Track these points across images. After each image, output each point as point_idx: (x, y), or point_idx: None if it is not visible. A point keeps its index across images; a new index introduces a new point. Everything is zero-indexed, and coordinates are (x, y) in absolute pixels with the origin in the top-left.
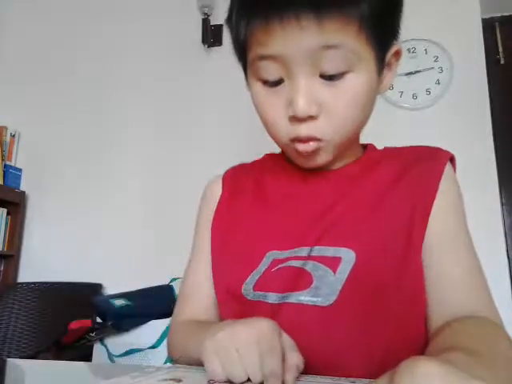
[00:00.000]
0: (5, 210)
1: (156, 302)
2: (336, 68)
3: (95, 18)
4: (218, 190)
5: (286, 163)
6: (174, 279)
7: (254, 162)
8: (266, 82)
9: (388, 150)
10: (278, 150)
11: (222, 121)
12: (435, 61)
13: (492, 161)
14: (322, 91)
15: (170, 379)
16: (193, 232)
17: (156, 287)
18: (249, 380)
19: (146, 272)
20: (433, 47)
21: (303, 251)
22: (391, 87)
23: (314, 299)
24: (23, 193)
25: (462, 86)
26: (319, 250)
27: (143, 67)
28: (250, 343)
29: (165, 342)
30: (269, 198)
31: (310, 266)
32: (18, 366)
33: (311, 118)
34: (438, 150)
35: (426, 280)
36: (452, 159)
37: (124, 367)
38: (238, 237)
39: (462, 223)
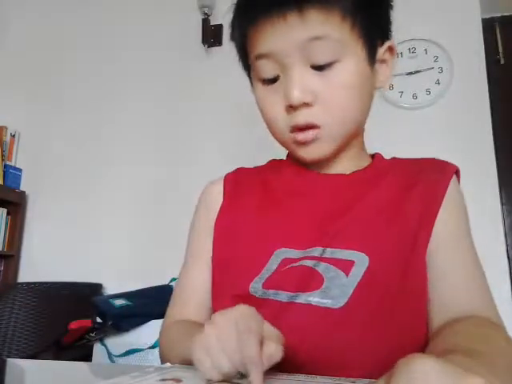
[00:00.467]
0: (5, 210)
1: (156, 302)
2: (324, 58)
3: (95, 18)
4: (218, 193)
5: (293, 165)
6: (174, 279)
7: (259, 166)
8: (264, 81)
9: (396, 160)
10: (279, 151)
11: (222, 121)
12: (435, 61)
13: (492, 161)
14: (314, 81)
15: (170, 379)
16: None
17: (156, 287)
18: (243, 376)
19: (146, 272)
20: (433, 47)
21: (315, 251)
22: (391, 87)
23: (324, 301)
24: (23, 193)
25: (462, 86)
26: (332, 252)
27: (143, 67)
28: (226, 327)
29: None
30: (277, 197)
31: (321, 268)
32: (18, 365)
33: (306, 105)
34: (445, 163)
35: (428, 281)
36: (457, 171)
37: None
38: (244, 236)
39: (466, 230)
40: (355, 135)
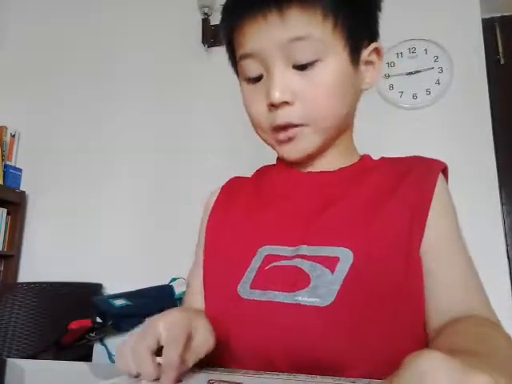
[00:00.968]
0: (5, 210)
1: (156, 302)
2: (305, 58)
3: (95, 17)
4: (214, 198)
5: (281, 166)
6: (174, 279)
7: (253, 174)
8: (249, 80)
9: (384, 159)
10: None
11: (222, 121)
12: (435, 61)
13: (492, 161)
14: (295, 80)
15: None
16: (193, 232)
17: (156, 287)
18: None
19: (146, 272)
20: (433, 47)
21: (300, 249)
22: (391, 87)
23: (312, 300)
24: (23, 193)
25: (462, 86)
26: (316, 250)
27: (143, 67)
28: (142, 338)
29: None
30: (264, 199)
31: (307, 266)
32: (18, 365)
33: (286, 104)
34: (432, 160)
35: (426, 280)
36: (445, 169)
37: None
38: (231, 238)
39: (456, 229)
40: (339, 133)
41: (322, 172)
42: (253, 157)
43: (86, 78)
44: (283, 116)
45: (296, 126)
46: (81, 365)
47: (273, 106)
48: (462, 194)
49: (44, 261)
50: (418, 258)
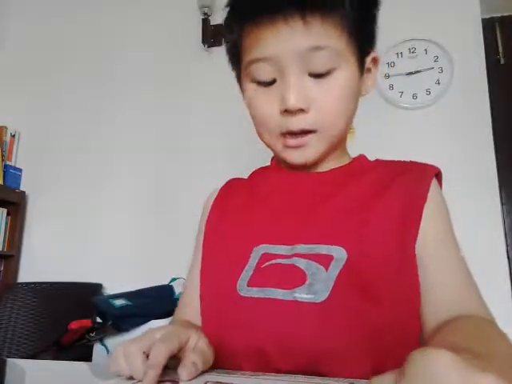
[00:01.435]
0: (5, 210)
1: (156, 302)
2: (323, 67)
3: (95, 18)
4: (212, 199)
5: (276, 167)
6: (174, 279)
7: (249, 176)
8: (259, 83)
9: (379, 161)
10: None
11: (222, 121)
12: (435, 61)
13: (492, 161)
14: (310, 88)
15: (168, 380)
16: (193, 232)
17: (156, 287)
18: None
19: (146, 272)
20: (433, 47)
21: (296, 248)
22: (391, 87)
23: (309, 296)
24: (23, 193)
25: (462, 86)
26: (311, 248)
27: (143, 67)
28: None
29: None
30: (259, 199)
31: (303, 264)
32: (17, 365)
33: (301, 111)
34: (426, 165)
35: (420, 280)
36: (438, 173)
37: None
38: (227, 236)
39: (450, 231)
40: (341, 139)
41: (316, 173)
42: (252, 157)
43: (86, 77)
44: (298, 123)
45: (307, 132)
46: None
47: (287, 112)
48: (462, 194)
49: (44, 261)
50: (413, 257)
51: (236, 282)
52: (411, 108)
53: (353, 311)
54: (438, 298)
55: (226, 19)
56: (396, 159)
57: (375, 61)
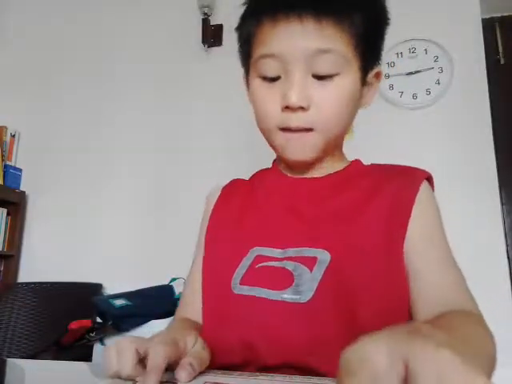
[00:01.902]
0: (5, 210)
1: (156, 302)
2: (327, 70)
3: (95, 18)
4: (215, 197)
5: (275, 170)
6: (174, 279)
7: (250, 177)
8: (265, 78)
9: (374, 166)
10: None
11: (222, 121)
12: (435, 61)
13: (492, 161)
14: (313, 89)
15: (166, 381)
16: (193, 232)
17: (156, 287)
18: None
19: (146, 272)
20: (433, 47)
21: (287, 251)
22: (391, 87)
23: (295, 297)
24: (23, 193)
25: (462, 86)
26: (299, 251)
27: (143, 67)
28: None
29: None
30: (257, 201)
31: (291, 266)
32: (17, 365)
33: (302, 109)
34: (416, 169)
35: (409, 279)
36: (430, 178)
37: None
38: (226, 237)
39: (438, 230)
40: (336, 146)
41: (312, 178)
42: (252, 157)
43: (86, 77)
44: (297, 120)
45: (305, 130)
46: (81, 365)
47: (287, 109)
48: (462, 194)
49: (44, 261)
50: (400, 257)
51: (230, 280)
52: (411, 108)
53: (336, 310)
54: (427, 296)
55: (244, 13)
56: (395, 160)
57: (378, 76)
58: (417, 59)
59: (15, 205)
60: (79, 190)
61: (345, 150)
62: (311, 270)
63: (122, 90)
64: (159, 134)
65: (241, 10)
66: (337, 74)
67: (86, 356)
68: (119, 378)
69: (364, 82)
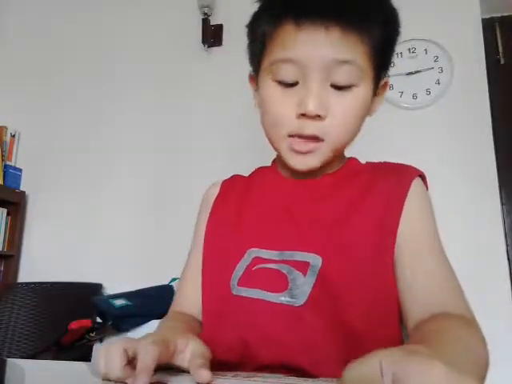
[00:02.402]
0: (5, 210)
1: (156, 302)
2: (346, 81)
3: (95, 18)
4: (215, 193)
5: (274, 171)
6: (174, 279)
7: (250, 174)
8: (280, 83)
9: (368, 165)
10: (274, 156)
11: (222, 121)
12: (435, 61)
13: (492, 161)
14: (330, 97)
15: (156, 382)
16: (192, 232)
17: (156, 287)
18: None
19: (146, 272)
20: (433, 47)
21: (282, 254)
22: (391, 87)
23: (291, 300)
24: (23, 193)
25: (462, 86)
26: (292, 255)
27: (143, 67)
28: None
29: None
30: (254, 201)
31: (286, 269)
32: (17, 365)
33: (318, 117)
34: (409, 167)
35: (399, 281)
36: (422, 176)
37: None
38: (224, 236)
39: (432, 231)
40: (341, 153)
41: (308, 180)
42: (252, 157)
43: (86, 77)
44: (312, 128)
45: (318, 139)
46: (81, 365)
47: (303, 116)
48: (462, 194)
49: (44, 261)
50: (390, 258)
51: (229, 281)
52: (411, 108)
53: (327, 315)
54: (417, 296)
55: (259, 11)
56: (395, 160)
57: (385, 85)
58: (417, 59)
59: (15, 205)
60: (79, 189)
61: (345, 150)
62: (304, 275)
63: (122, 89)
64: (159, 134)
65: (249, 7)
66: (353, 86)
67: (86, 356)
68: (109, 380)
69: (375, 92)
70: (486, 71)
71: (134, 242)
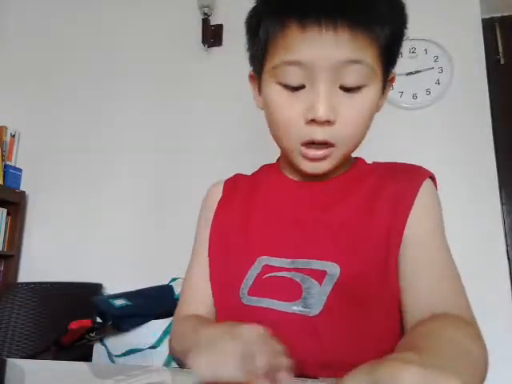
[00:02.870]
0: (5, 210)
1: (156, 302)
2: (356, 82)
3: (95, 18)
4: (218, 194)
5: (279, 172)
6: (174, 279)
7: (253, 173)
8: (286, 86)
9: (375, 165)
10: (278, 152)
11: (222, 121)
12: (435, 61)
13: (492, 161)
14: (340, 100)
15: (156, 383)
16: (193, 232)
17: (156, 287)
18: None
19: (146, 272)
20: (433, 47)
21: (294, 262)
22: (391, 87)
23: (304, 310)
24: (23, 193)
25: (462, 86)
26: (307, 263)
27: (143, 67)
28: (235, 342)
29: (165, 342)
30: (261, 205)
31: (299, 278)
32: (17, 365)
33: (328, 122)
34: (419, 168)
35: (401, 279)
36: (432, 177)
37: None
38: (231, 242)
39: (437, 231)
40: (350, 155)
41: (315, 182)
42: (252, 157)
43: (86, 77)
44: (323, 134)
45: (330, 145)
46: (81, 365)
47: (312, 122)
48: (462, 194)
49: (44, 261)
50: (394, 261)
51: (239, 290)
52: (411, 108)
53: (344, 324)
54: (418, 299)
55: (259, 8)
56: (395, 161)
57: (392, 80)
58: (417, 59)
59: (15, 205)
60: (79, 189)
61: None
62: (320, 284)
63: (122, 89)
64: (159, 134)
65: (249, 7)
66: (363, 87)
67: (86, 356)
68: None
69: (384, 89)
70: (485, 71)
71: (134, 242)
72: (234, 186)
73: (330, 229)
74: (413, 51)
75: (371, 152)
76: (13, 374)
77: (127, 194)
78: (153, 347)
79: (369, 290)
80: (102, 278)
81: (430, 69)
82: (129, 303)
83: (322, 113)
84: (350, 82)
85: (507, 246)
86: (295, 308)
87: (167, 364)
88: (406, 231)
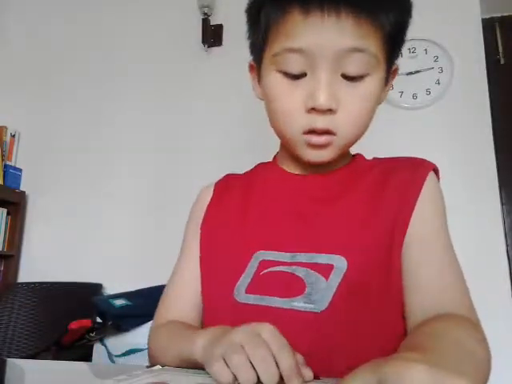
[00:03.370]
0: (5, 210)
1: (156, 302)
2: (359, 70)
3: (95, 18)
4: (208, 196)
5: (276, 167)
6: None
7: (247, 171)
8: (286, 74)
9: (376, 160)
10: (277, 150)
11: (221, 121)
12: (435, 61)
13: (492, 161)
14: (341, 89)
15: (156, 383)
16: None
17: (156, 287)
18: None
19: (146, 272)
20: (433, 47)
21: (295, 256)
22: (391, 87)
23: (308, 305)
24: (23, 193)
25: (462, 86)
26: (311, 257)
27: (143, 67)
28: (258, 344)
29: None
30: (257, 200)
31: (302, 273)
32: (17, 365)
33: (330, 111)
34: (422, 161)
35: (404, 278)
36: (436, 170)
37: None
38: (225, 239)
39: (441, 227)
40: (351, 146)
41: (314, 175)
42: (252, 157)
43: (86, 77)
44: (324, 122)
45: (331, 133)
46: (81, 365)
47: (313, 110)
48: (462, 194)
49: (44, 261)
50: (399, 260)
51: (233, 287)
52: (411, 108)
53: (350, 320)
54: (421, 296)
55: (268, 2)
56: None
57: (395, 71)
58: (417, 59)
59: (15, 205)
60: (79, 189)
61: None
62: (327, 278)
63: (122, 89)
64: (159, 134)
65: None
66: (366, 76)
67: (86, 356)
68: None
69: (387, 80)
70: (485, 71)
71: (133, 242)
72: (226, 186)
73: (333, 222)
74: (413, 51)
75: (371, 152)
76: (13, 374)
77: (127, 194)
78: None
79: (373, 287)
80: (101, 277)
81: (430, 69)
82: (129, 303)
83: (322, 101)
84: (352, 70)
85: (507, 246)
86: (296, 304)
87: None
88: (410, 229)
